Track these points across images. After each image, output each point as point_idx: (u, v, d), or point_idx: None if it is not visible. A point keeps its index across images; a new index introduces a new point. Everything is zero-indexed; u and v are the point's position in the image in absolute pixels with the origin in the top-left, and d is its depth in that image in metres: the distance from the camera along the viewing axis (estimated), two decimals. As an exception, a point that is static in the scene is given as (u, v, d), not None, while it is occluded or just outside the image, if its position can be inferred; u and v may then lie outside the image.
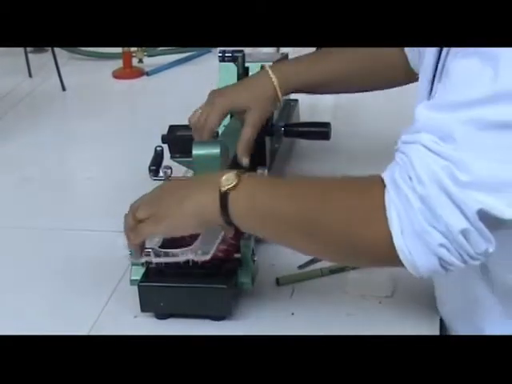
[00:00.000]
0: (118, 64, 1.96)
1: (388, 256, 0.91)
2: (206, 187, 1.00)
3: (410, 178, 0.88)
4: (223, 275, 1.08)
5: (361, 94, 1.35)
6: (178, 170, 1.28)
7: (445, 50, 0.96)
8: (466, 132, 0.86)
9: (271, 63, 1.33)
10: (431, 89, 0.99)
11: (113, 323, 1.11)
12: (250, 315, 1.11)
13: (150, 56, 1.98)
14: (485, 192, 0.86)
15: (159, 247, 1.07)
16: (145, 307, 1.10)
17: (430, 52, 1.00)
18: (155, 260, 1.06)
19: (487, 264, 0.99)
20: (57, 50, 1.90)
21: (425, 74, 1.01)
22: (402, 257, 0.90)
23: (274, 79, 1.24)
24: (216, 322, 1.09)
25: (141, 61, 1.98)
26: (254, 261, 1.12)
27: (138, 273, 1.11)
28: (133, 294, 1.10)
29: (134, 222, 1.03)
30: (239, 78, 1.34)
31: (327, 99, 1.69)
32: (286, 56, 1.47)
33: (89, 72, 1.99)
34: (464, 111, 0.86)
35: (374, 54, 1.27)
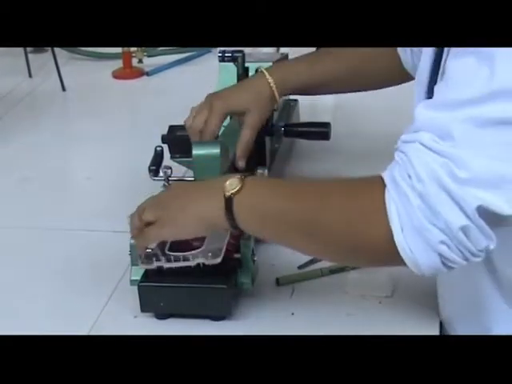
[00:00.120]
0: (118, 64, 1.96)
1: (389, 255, 0.91)
2: (210, 193, 1.01)
3: (410, 177, 0.89)
4: (223, 275, 1.08)
5: (361, 94, 1.35)
6: (178, 170, 1.28)
7: (442, 50, 0.96)
8: (464, 130, 0.87)
9: (271, 63, 1.33)
10: (428, 89, 0.99)
11: (113, 323, 1.11)
12: (249, 315, 1.11)
13: (149, 56, 1.98)
14: (484, 189, 0.86)
15: (168, 250, 1.08)
16: (145, 307, 1.10)
17: (426, 53, 1.01)
18: (166, 265, 1.07)
19: (493, 262, 0.99)
20: (57, 50, 1.90)
21: (421, 74, 1.02)
22: (403, 255, 0.90)
23: (271, 80, 1.24)
24: (216, 322, 1.09)
25: (141, 61, 1.98)
26: (253, 261, 1.12)
27: (137, 273, 1.11)
28: (133, 294, 1.10)
29: (141, 224, 1.04)
30: (239, 78, 1.34)
31: (327, 99, 1.69)
32: (285, 56, 1.47)
33: (89, 72, 1.99)
34: (462, 109, 0.87)
35: (368, 55, 1.27)
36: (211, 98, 1.24)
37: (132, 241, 1.10)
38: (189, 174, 1.28)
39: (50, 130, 1.70)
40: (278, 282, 1.16)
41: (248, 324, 1.09)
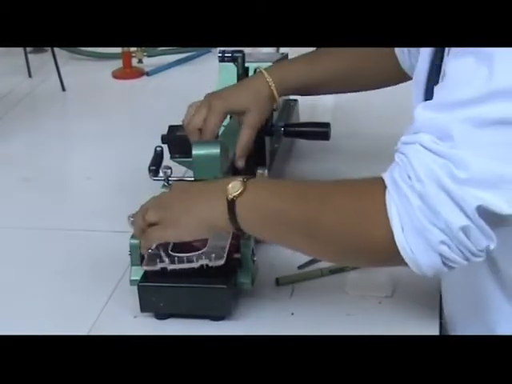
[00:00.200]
0: (118, 64, 1.96)
1: (390, 255, 0.92)
2: (213, 196, 1.02)
3: (409, 177, 0.90)
4: (223, 275, 1.08)
5: (361, 93, 1.35)
6: (178, 170, 1.28)
7: (440, 51, 0.96)
8: (463, 130, 0.87)
9: (271, 63, 1.33)
10: (426, 89, 0.99)
11: (112, 323, 1.11)
12: (249, 315, 1.11)
13: (149, 56, 1.98)
14: (483, 188, 0.86)
15: (171, 251, 1.08)
16: (144, 307, 1.10)
17: (423, 53, 1.01)
18: (170, 267, 1.07)
19: (496, 262, 0.99)
20: (57, 50, 1.90)
21: (419, 74, 1.02)
22: (403, 255, 0.91)
23: (270, 80, 1.24)
24: (216, 322, 1.09)
25: (140, 61, 1.98)
26: (253, 261, 1.12)
27: (137, 273, 1.11)
28: (133, 294, 1.10)
29: (144, 224, 1.05)
30: (239, 78, 1.34)
31: (327, 99, 1.69)
32: (285, 56, 1.47)
33: (89, 72, 1.99)
34: (461, 110, 0.87)
35: (366, 55, 1.28)
36: (210, 97, 1.24)
37: (132, 241, 1.10)
38: (189, 174, 1.28)
39: (49, 130, 1.70)
40: (278, 282, 1.16)
41: (248, 324, 1.09)
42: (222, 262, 1.06)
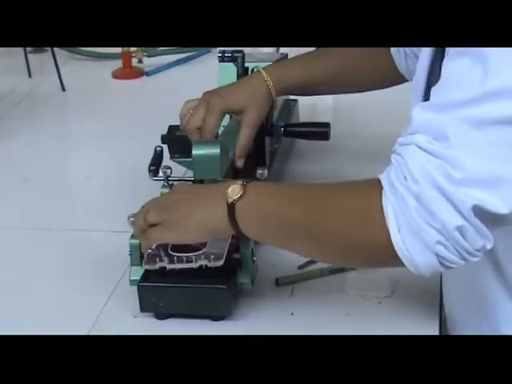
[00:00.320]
0: (118, 64, 1.96)
1: (387, 255, 0.92)
2: (213, 199, 1.02)
3: (405, 178, 0.90)
4: (223, 275, 1.08)
5: (360, 94, 1.36)
6: (178, 170, 1.28)
7: (440, 51, 0.97)
8: (459, 130, 0.87)
9: (271, 63, 1.33)
10: (425, 92, 1.00)
11: (112, 323, 1.11)
12: (249, 315, 1.11)
13: (149, 56, 1.98)
14: (479, 188, 0.87)
15: (171, 251, 1.08)
16: (144, 307, 1.10)
17: (423, 55, 1.02)
18: (170, 266, 1.07)
19: (499, 262, 1.00)
20: (56, 50, 1.90)
21: (418, 78, 1.02)
22: (400, 255, 0.91)
23: (268, 78, 1.24)
24: (215, 322, 1.09)
25: (140, 61, 1.98)
26: (253, 261, 1.12)
27: (137, 273, 1.11)
28: (132, 294, 1.10)
29: (144, 225, 1.05)
30: (239, 78, 1.34)
31: (327, 99, 1.69)
32: (285, 56, 1.47)
33: (89, 72, 2.00)
34: (457, 110, 0.87)
35: (364, 56, 1.28)
36: (208, 96, 1.24)
37: (132, 241, 1.10)
38: (189, 174, 1.28)
39: (49, 130, 1.70)
40: (278, 282, 1.16)
41: (248, 324, 1.09)
42: (221, 262, 1.06)
